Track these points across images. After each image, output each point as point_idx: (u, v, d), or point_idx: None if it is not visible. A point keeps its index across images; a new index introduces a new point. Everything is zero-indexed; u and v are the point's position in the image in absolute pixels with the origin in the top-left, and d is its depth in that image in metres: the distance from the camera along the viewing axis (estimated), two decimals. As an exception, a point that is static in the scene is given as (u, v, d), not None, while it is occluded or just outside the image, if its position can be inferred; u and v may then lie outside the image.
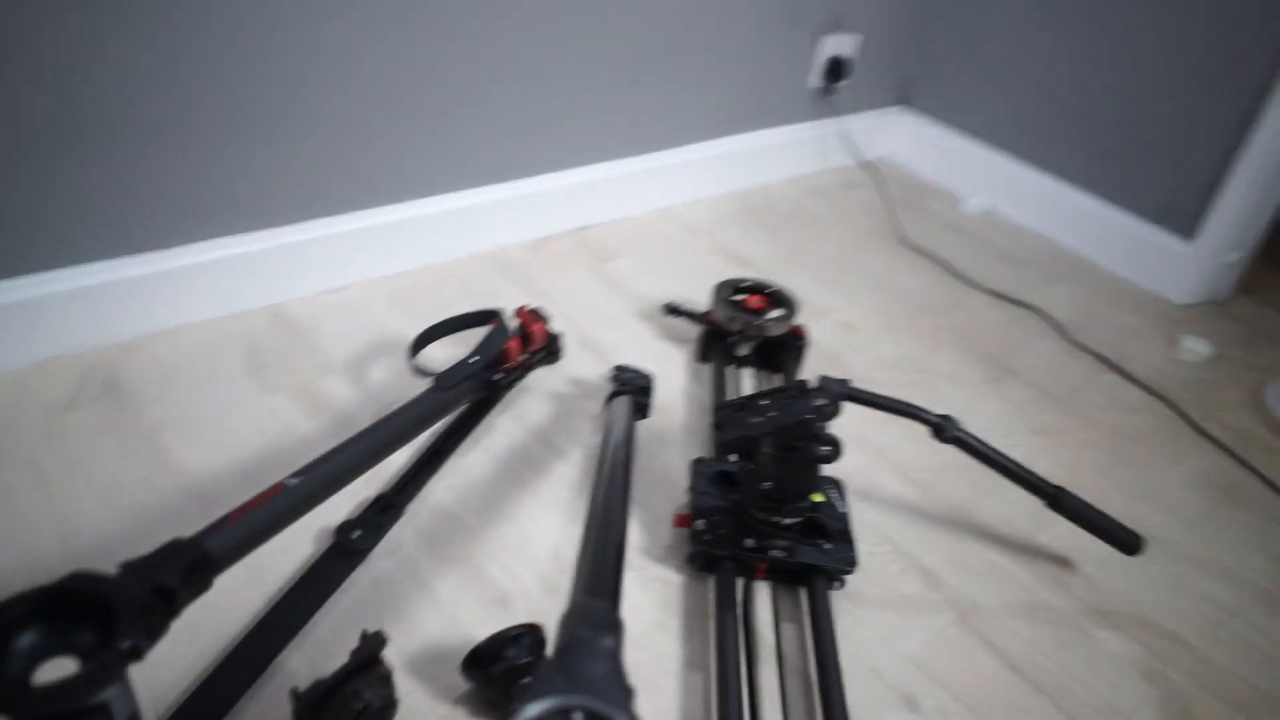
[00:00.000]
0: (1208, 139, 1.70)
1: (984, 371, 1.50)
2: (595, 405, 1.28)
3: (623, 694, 0.57)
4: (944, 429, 1.08)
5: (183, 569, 0.72)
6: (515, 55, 1.48)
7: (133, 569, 0.70)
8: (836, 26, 1.92)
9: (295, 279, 1.39)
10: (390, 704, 0.80)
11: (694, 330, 1.44)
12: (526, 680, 0.84)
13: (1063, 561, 1.16)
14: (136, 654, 0.64)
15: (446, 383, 1.10)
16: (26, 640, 0.65)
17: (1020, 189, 2.00)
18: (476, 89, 1.46)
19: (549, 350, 1.31)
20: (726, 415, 1.04)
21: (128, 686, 0.63)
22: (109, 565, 0.68)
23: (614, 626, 0.63)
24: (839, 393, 1.02)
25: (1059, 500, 1.11)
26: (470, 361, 1.14)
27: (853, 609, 1.05)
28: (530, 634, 0.87)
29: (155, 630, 0.68)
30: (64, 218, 1.16)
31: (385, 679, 0.81)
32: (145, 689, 0.66)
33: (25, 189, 1.12)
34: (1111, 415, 1.44)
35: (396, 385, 1.25)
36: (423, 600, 0.97)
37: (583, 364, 1.37)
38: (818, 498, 1.06)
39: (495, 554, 1.04)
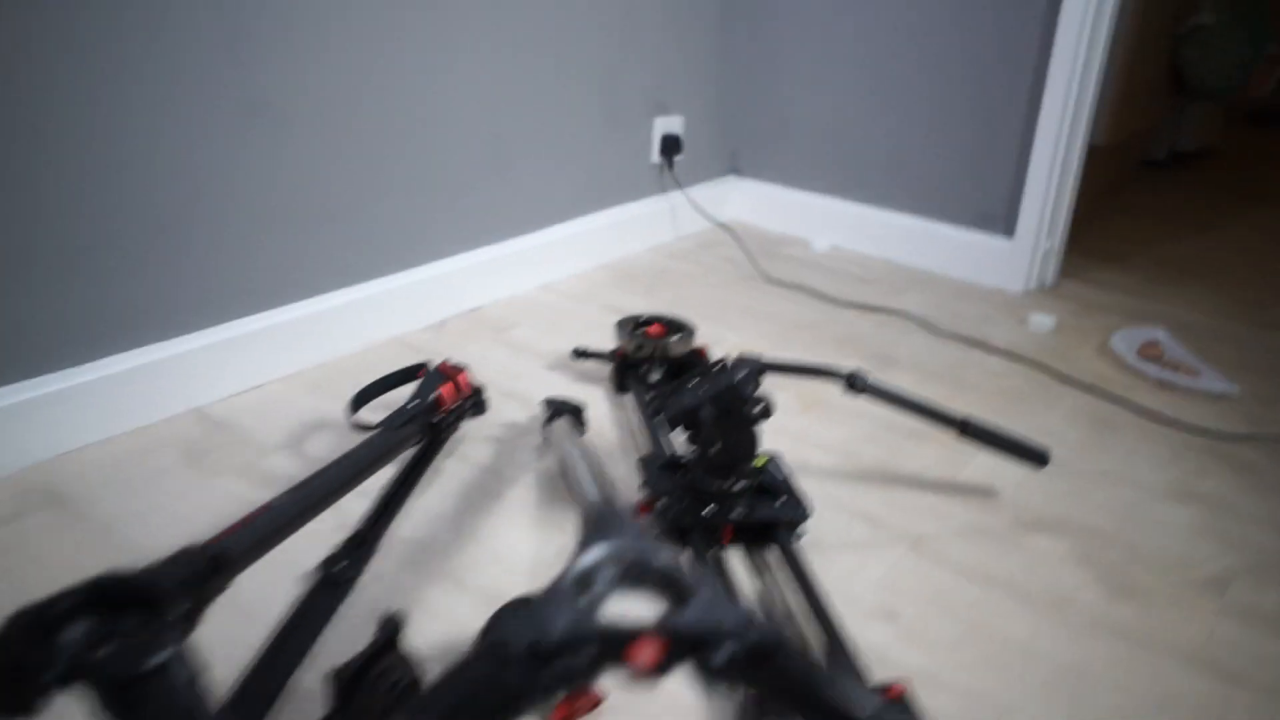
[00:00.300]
0: (1001, 143, 1.96)
1: (870, 364, 1.64)
2: (533, 438, 1.34)
3: (655, 543, 0.63)
4: (855, 381, 1.19)
5: (201, 567, 0.73)
6: (395, 158, 1.58)
7: (154, 568, 0.71)
8: (663, 109, 2.13)
9: (213, 381, 1.41)
10: (417, 681, 0.81)
11: (605, 369, 1.53)
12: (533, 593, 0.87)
13: (985, 490, 1.28)
14: (189, 620, 0.66)
15: (394, 423, 1.14)
16: (79, 629, 0.65)
17: (855, 224, 2.22)
18: (363, 193, 1.55)
19: (475, 402, 1.36)
20: (665, 397, 1.12)
21: (183, 655, 0.64)
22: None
23: (629, 510, 0.69)
24: (757, 364, 1.12)
25: (968, 426, 1.23)
26: (410, 406, 1.19)
27: (815, 557, 1.12)
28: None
29: (191, 617, 0.69)
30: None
31: (407, 659, 0.82)
32: None
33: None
34: (987, 381, 1.60)
35: (340, 449, 1.27)
36: (420, 611, 0.99)
37: (509, 411, 1.42)
38: (760, 462, 1.14)
39: (477, 566, 1.07)
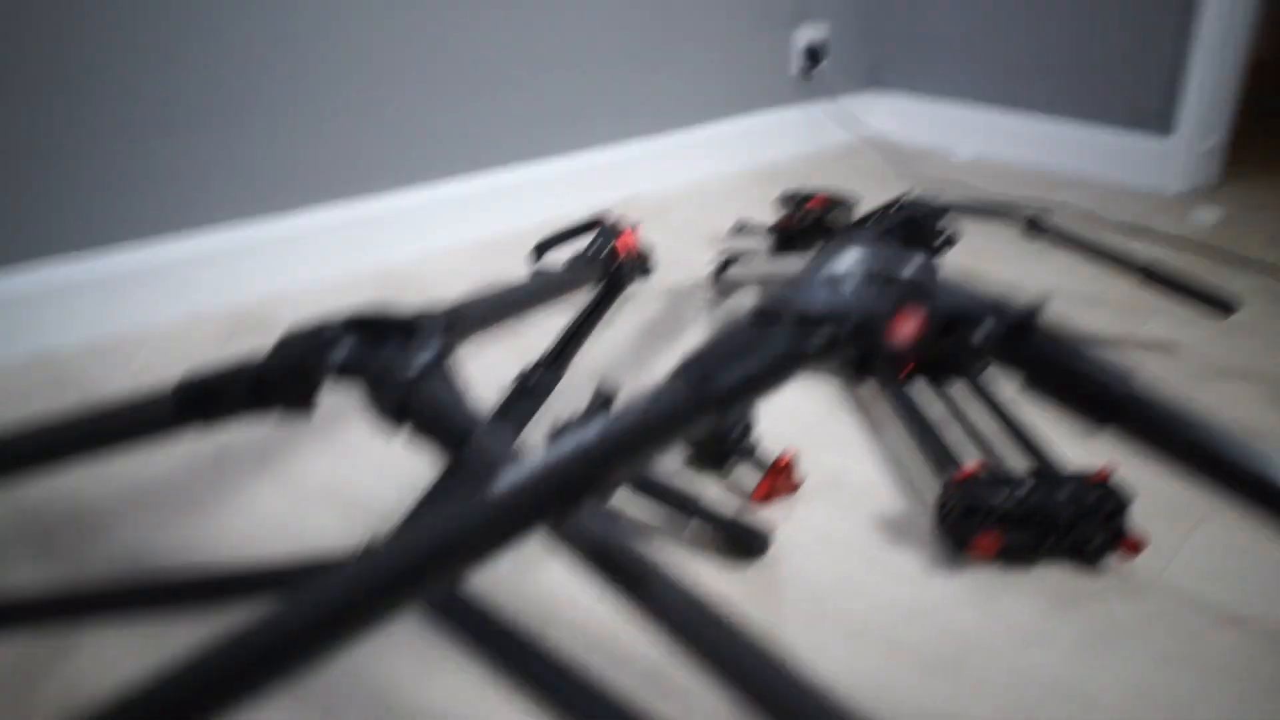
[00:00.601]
0: (1159, 33, 1.91)
1: (1025, 261, 1.62)
2: (701, 296, 1.37)
3: (907, 252, 0.64)
4: (1036, 222, 1.19)
5: (450, 310, 0.78)
6: (556, 38, 1.65)
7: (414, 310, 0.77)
8: (805, 17, 2.14)
9: (393, 244, 1.49)
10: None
11: (766, 246, 1.55)
12: (744, 424, 0.90)
13: (1166, 344, 1.25)
14: (445, 341, 0.70)
15: (578, 262, 1.18)
16: (345, 347, 0.71)
17: (1000, 132, 2.19)
18: (532, 65, 1.62)
19: (644, 263, 1.40)
20: (835, 237, 1.14)
21: (445, 364, 0.69)
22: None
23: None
24: (936, 201, 1.13)
25: (1152, 272, 1.21)
26: (590, 250, 1.23)
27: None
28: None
29: (450, 348, 0.74)
30: (201, 186, 1.26)
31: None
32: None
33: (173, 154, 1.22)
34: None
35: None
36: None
37: (674, 277, 1.46)
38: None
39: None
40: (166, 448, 0.92)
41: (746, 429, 0.91)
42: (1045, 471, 0.85)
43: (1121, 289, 1.35)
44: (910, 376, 0.58)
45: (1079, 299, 1.39)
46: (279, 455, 0.94)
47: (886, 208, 1.14)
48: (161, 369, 1.14)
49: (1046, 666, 0.71)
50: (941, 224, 1.09)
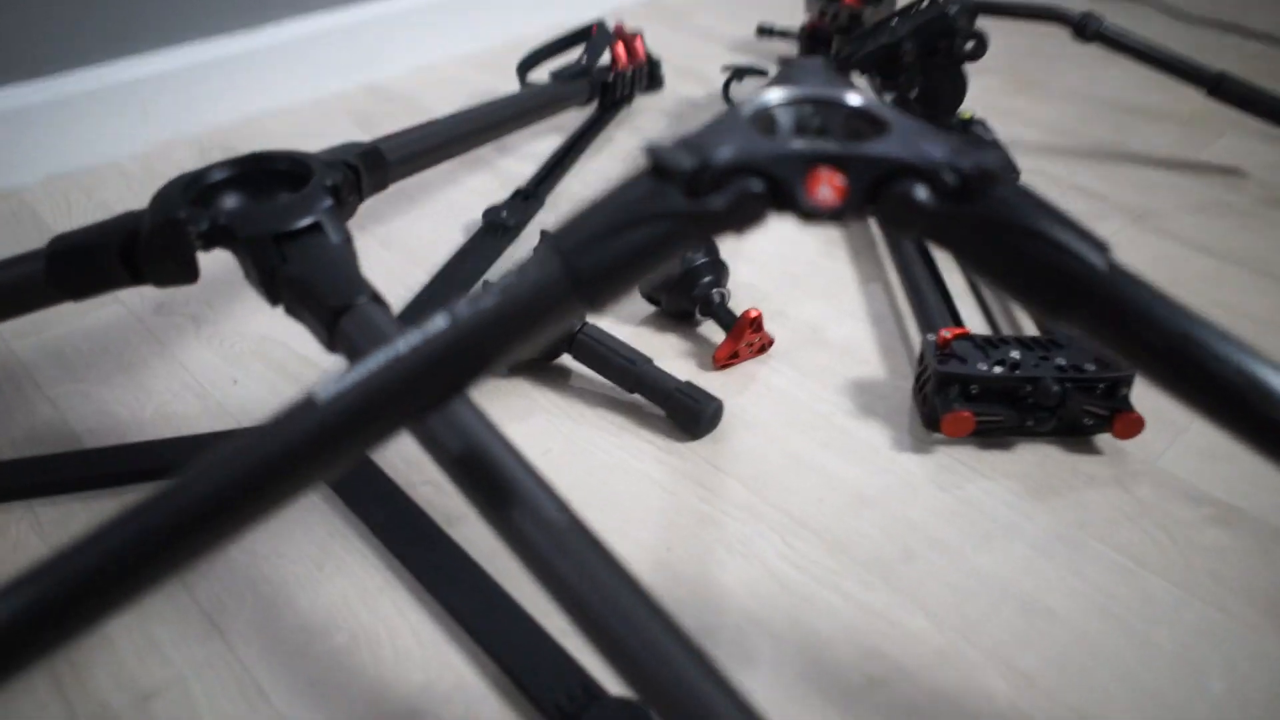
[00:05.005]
0: None
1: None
2: (713, 112, 1.24)
3: (847, 84, 0.53)
4: (1087, 25, 1.02)
5: (360, 155, 0.70)
6: None
7: (310, 154, 0.69)
8: None
9: (385, 55, 1.38)
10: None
11: (791, 50, 1.39)
12: (707, 279, 0.82)
13: (1230, 170, 1.10)
14: (338, 194, 0.63)
15: (563, 75, 1.07)
16: (230, 199, 0.64)
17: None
18: None
19: (651, 74, 1.27)
20: (857, 42, 1.00)
21: (337, 220, 0.61)
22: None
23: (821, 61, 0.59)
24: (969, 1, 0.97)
25: (1222, 84, 1.04)
26: (581, 61, 1.11)
27: (1021, 226, 1.00)
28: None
29: (349, 197, 0.67)
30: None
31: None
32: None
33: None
34: (1243, 64, 1.36)
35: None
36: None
37: (687, 89, 1.33)
38: (966, 115, 1.01)
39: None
40: (101, 304, 0.88)
41: (717, 278, 0.82)
42: (1042, 336, 0.75)
43: (1188, 102, 1.18)
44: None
45: (1137, 112, 1.22)
46: (220, 308, 0.89)
47: (904, 11, 0.99)
48: (133, 201, 1.08)
49: (1003, 568, 0.64)
50: (970, 26, 0.94)
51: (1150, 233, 0.99)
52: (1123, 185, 1.07)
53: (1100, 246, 0.45)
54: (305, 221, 0.58)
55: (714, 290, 0.81)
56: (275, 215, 0.58)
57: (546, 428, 0.75)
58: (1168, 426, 0.74)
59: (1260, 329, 0.85)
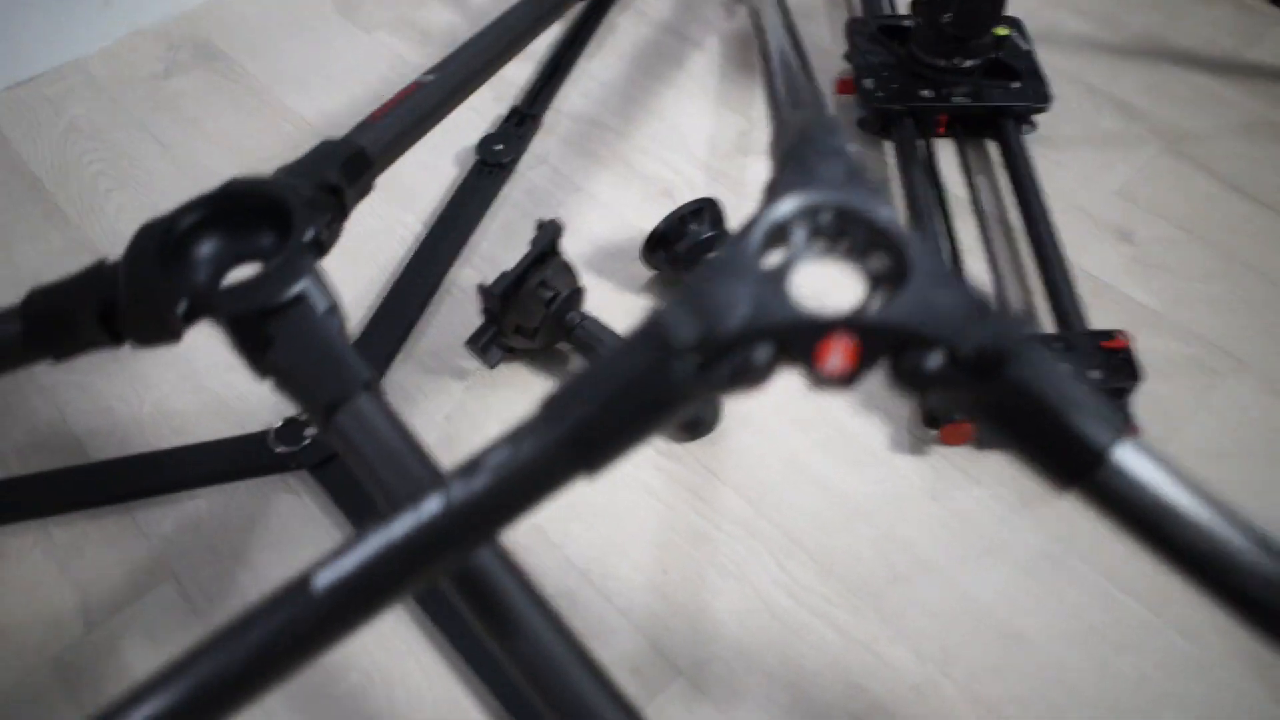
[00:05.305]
0: None
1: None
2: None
3: (871, 189, 0.49)
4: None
5: (342, 165, 0.66)
6: None
7: (292, 170, 0.65)
8: None
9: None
10: (577, 291, 0.75)
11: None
12: (712, 254, 0.79)
13: (1274, 73, 1.02)
14: (320, 246, 0.60)
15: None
16: (207, 248, 0.61)
17: None
18: None
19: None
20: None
21: (320, 280, 0.59)
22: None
23: (840, 127, 0.54)
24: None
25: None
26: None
27: (1047, 152, 0.94)
28: (709, 207, 0.80)
29: (332, 227, 0.63)
30: None
31: (567, 267, 0.76)
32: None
33: None
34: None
35: (501, 3, 1.13)
36: (582, 203, 0.91)
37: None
38: (1001, 32, 0.93)
39: (647, 149, 0.96)
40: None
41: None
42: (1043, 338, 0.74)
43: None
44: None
45: (1174, 7, 1.11)
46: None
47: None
48: (103, 117, 1.02)
49: (986, 591, 0.66)
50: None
51: (1188, 163, 0.93)
52: (1162, 98, 1.00)
53: (1115, 426, 0.43)
54: (290, 293, 0.56)
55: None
56: (257, 289, 0.55)
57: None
58: (1169, 430, 0.74)
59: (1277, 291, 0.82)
